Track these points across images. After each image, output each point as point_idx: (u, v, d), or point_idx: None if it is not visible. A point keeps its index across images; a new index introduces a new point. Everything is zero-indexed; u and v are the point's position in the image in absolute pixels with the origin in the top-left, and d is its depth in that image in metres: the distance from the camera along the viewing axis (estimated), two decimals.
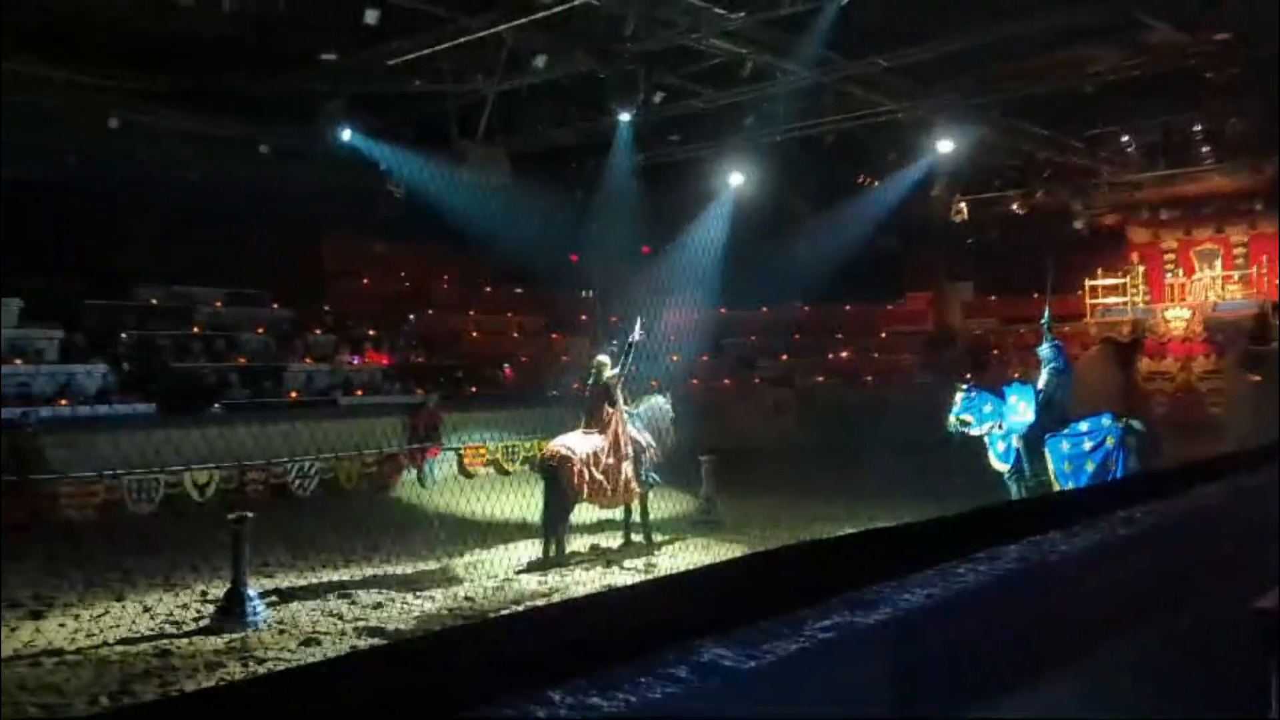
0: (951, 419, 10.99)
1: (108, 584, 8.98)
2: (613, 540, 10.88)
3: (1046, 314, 11.69)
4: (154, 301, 17.08)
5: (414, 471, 15.27)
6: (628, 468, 10.43)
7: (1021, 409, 10.63)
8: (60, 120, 13.64)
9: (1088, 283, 21.64)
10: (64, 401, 13.84)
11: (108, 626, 7.68)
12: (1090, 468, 10.19)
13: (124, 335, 15.96)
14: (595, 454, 10.19)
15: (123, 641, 7.31)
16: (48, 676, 6.52)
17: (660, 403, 11.50)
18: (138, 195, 15.24)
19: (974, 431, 10.99)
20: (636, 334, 10.75)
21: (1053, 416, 10.51)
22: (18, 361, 13.98)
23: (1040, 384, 10.79)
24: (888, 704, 1.76)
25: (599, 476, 10.14)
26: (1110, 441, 10.20)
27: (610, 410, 10.49)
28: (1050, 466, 10.39)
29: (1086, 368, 20.94)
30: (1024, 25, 11.75)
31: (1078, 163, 18.54)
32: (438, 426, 15.71)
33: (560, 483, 10.02)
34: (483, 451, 16.31)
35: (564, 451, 10.15)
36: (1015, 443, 10.58)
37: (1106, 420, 10.48)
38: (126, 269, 16.58)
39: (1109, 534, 2.51)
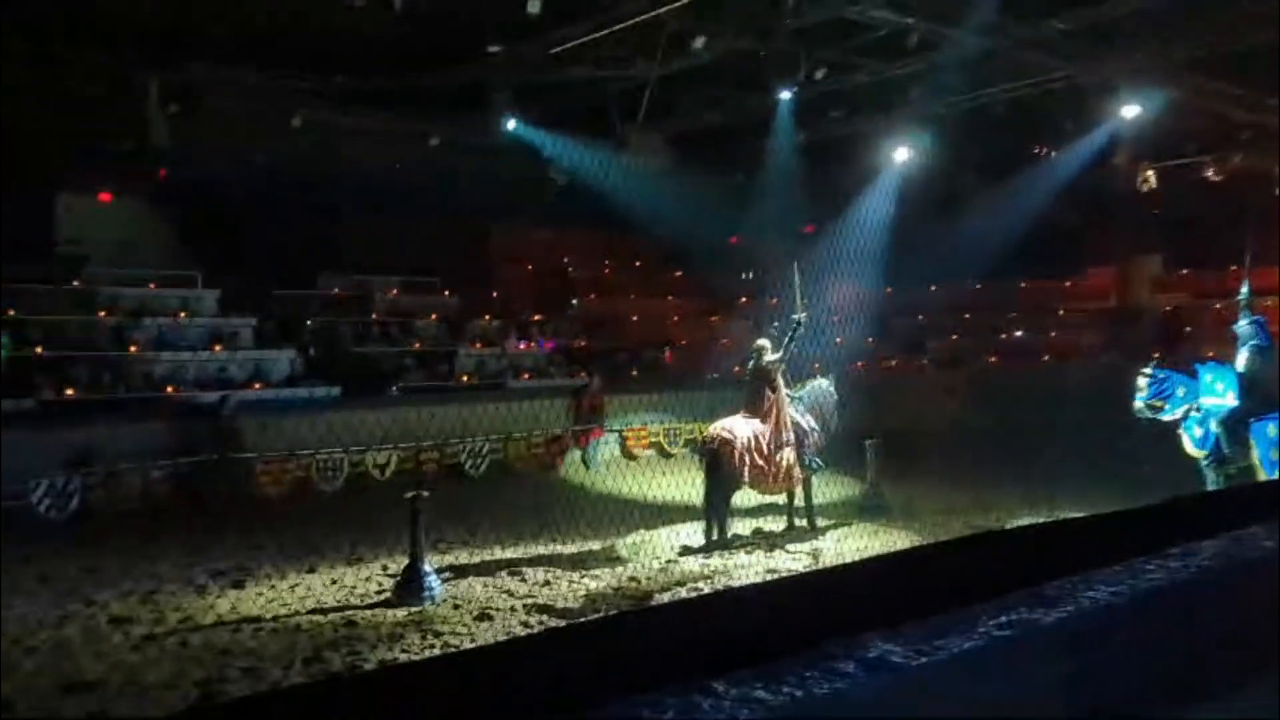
0: (1139, 404, 10.29)
1: (299, 557, 9.57)
2: (776, 524, 10.82)
3: (1245, 287, 10.81)
4: (336, 291, 18.04)
5: (578, 452, 15.59)
6: (789, 453, 10.32)
7: (1220, 390, 9.90)
8: (246, 121, 14.53)
9: None
10: (257, 385, 14.80)
11: (299, 597, 8.19)
12: None
13: (309, 323, 16.92)
14: (756, 438, 10.13)
15: (313, 611, 7.78)
16: (248, 642, 7.01)
17: (824, 386, 11.31)
18: (320, 190, 16.10)
19: (1167, 417, 10.27)
20: (799, 316, 10.60)
21: (1256, 399, 9.75)
22: (217, 348, 15.04)
23: (1240, 363, 10.03)
24: (1066, 709, 1.67)
25: (760, 461, 10.08)
26: None
27: (771, 395, 10.40)
28: (1255, 454, 9.64)
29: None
30: None
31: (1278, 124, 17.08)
32: (601, 408, 15.97)
33: (721, 467, 10.02)
34: (645, 434, 16.48)
35: (725, 435, 10.13)
36: (1214, 427, 9.86)
37: None
38: (311, 260, 17.56)
39: None
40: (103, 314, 14.57)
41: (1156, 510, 2.51)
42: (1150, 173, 18.07)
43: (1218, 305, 21.31)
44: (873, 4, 11.51)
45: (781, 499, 10.84)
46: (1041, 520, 8.48)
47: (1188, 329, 21.84)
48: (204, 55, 12.75)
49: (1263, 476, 9.42)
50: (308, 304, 17.51)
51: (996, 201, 19.13)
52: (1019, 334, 23.41)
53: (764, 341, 10.68)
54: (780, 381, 10.50)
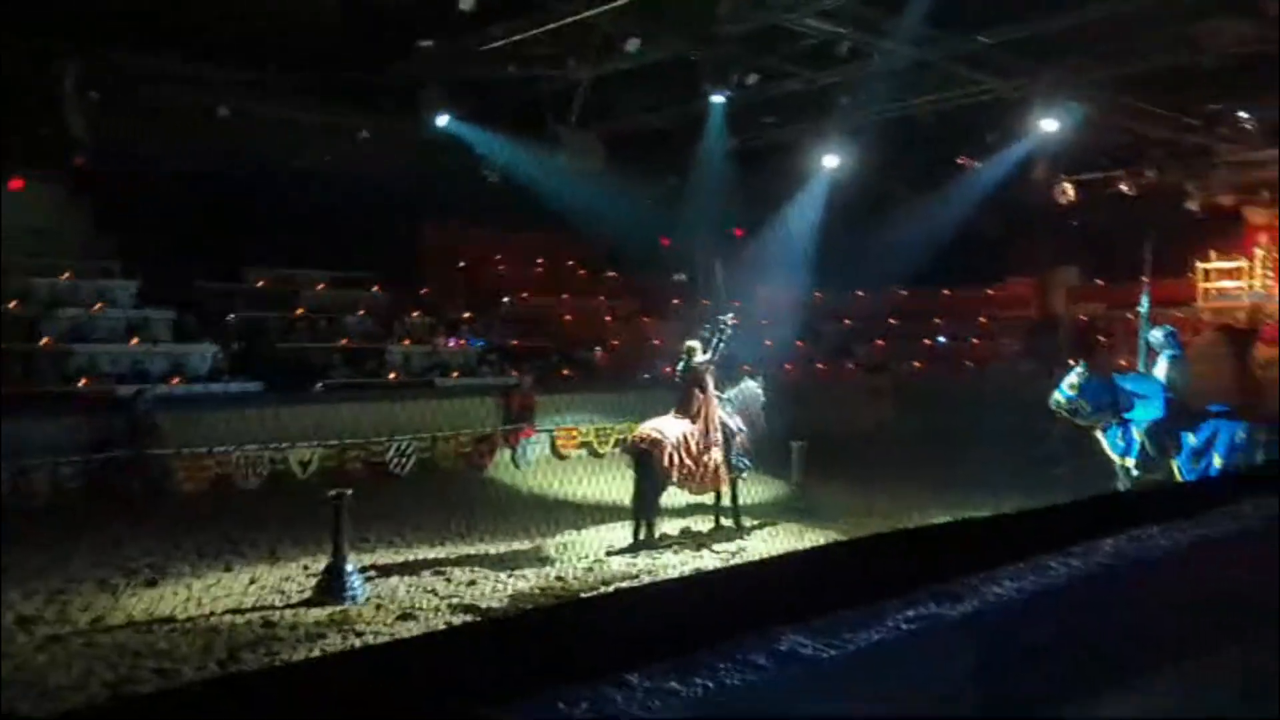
0: (1060, 398, 10.53)
1: (217, 555, 9.36)
2: (704, 524, 10.90)
3: (1145, 300, 11.23)
4: (261, 284, 17.68)
5: (508, 452, 15.51)
6: (718, 453, 10.42)
7: (1145, 400, 10.26)
8: (172, 111, 14.18)
9: (1200, 266, 20.76)
10: (176, 380, 14.43)
11: (217, 596, 8.02)
12: (1218, 462, 9.78)
13: (233, 317, 16.56)
14: (686, 439, 10.20)
15: (230, 611, 7.63)
16: (160, 642, 6.84)
17: (752, 387, 11.44)
18: (246, 182, 15.78)
19: (1083, 421, 10.59)
20: (728, 319, 10.69)
21: (1175, 407, 10.14)
22: (134, 341, 14.63)
23: (1160, 373, 10.41)
24: (972, 700, 1.73)
25: (689, 462, 10.16)
26: (1239, 435, 9.79)
27: (701, 395, 10.48)
28: (1176, 461, 10.02)
29: (1198, 355, 20.13)
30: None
31: (1193, 141, 17.74)
32: (532, 408, 15.91)
33: (651, 467, 10.07)
34: (575, 434, 16.47)
35: (655, 436, 10.18)
36: (1137, 435, 10.21)
37: (1219, 410, 10.07)
38: (236, 253, 17.19)
39: (1215, 530, 2.41)
40: (13, 305, 14.07)
41: (1062, 510, 2.60)
42: (1068, 185, 18.60)
43: (1129, 315, 22.03)
44: (805, 12, 11.68)
45: (709, 499, 10.93)
46: (955, 519, 8.69)
47: (1102, 338, 22.53)
48: (127, 42, 12.40)
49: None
50: (231, 297, 17.13)
51: (922, 210, 19.53)
52: (942, 340, 23.92)
53: (694, 343, 10.77)
54: (710, 382, 10.58)
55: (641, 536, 9.97)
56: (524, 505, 11.52)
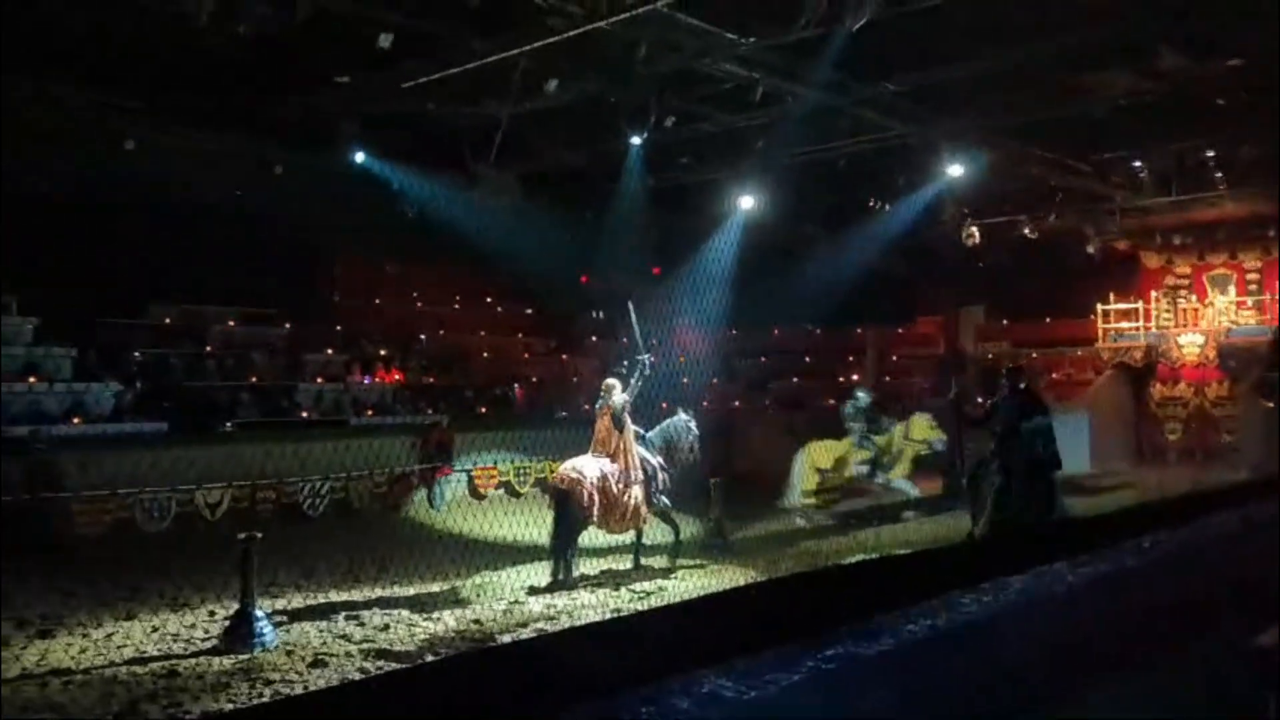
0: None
1: (117, 603, 9.00)
2: (623, 564, 10.85)
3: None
4: (167, 320, 17.17)
5: (424, 492, 15.27)
6: (638, 491, 10.41)
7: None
8: (75, 139, 13.76)
9: (1100, 307, 21.60)
10: (77, 420, 13.90)
11: (116, 646, 7.69)
12: None
13: (137, 354, 16.04)
14: (605, 478, 10.17)
15: (130, 661, 7.32)
16: (55, 696, 6.53)
17: (682, 421, 11.36)
18: (152, 215, 15.34)
19: None
20: (648, 358, 10.72)
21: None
22: (31, 380, 14.05)
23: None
24: None
25: (608, 500, 10.13)
26: None
27: (619, 434, 10.47)
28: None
29: (1099, 393, 20.87)
30: (1033, 50, 11.78)
31: (1089, 187, 18.53)
32: (449, 446, 15.71)
33: (570, 507, 10.01)
34: (494, 473, 16.31)
35: (574, 475, 10.13)
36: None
37: None
38: (140, 288, 16.68)
39: (1116, 564, 2.50)
40: None
41: (974, 547, 2.66)
42: (974, 228, 19.22)
43: (1033, 353, 22.80)
44: (721, 57, 11.92)
45: (629, 538, 10.89)
46: (870, 557, 8.84)
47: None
48: (33, 68, 12.02)
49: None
50: (136, 334, 16.58)
51: (835, 250, 19.97)
52: (855, 378, 24.37)
53: (612, 380, 10.77)
54: (628, 420, 10.58)
55: (560, 576, 9.88)
56: (440, 546, 11.31)
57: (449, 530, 13.08)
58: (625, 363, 11.28)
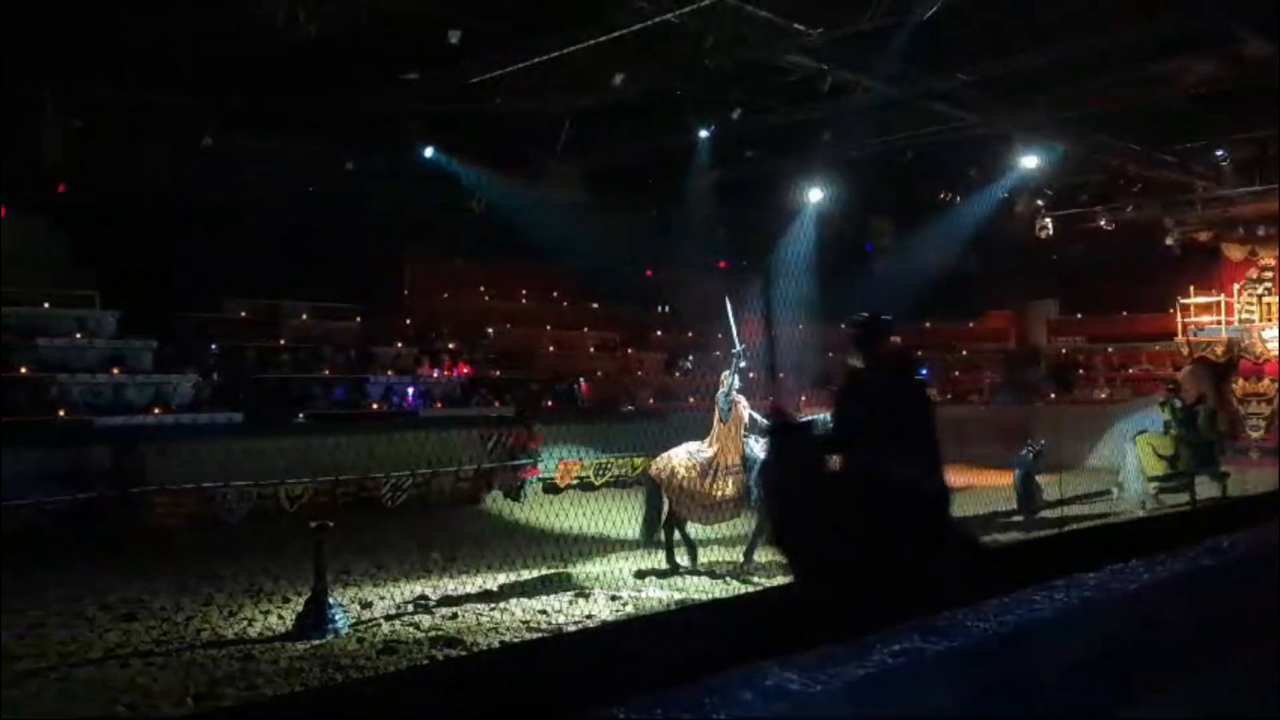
0: None
1: (197, 589, 9.25)
2: (721, 555, 10.73)
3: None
4: (242, 314, 17.60)
5: (499, 488, 15.22)
6: (729, 483, 10.18)
7: None
8: (156, 141, 14.17)
9: (1179, 301, 21.00)
10: (157, 410, 14.32)
11: (195, 630, 7.91)
12: None
13: (214, 346, 16.47)
14: (692, 468, 10.18)
15: (208, 645, 7.52)
16: (137, 677, 6.74)
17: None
18: (229, 213, 15.74)
19: None
20: (740, 348, 10.67)
21: None
22: (115, 371, 14.52)
23: None
24: None
25: (692, 491, 10.12)
26: None
27: (721, 425, 10.44)
28: None
29: (1179, 389, 20.28)
30: (1112, 38, 11.49)
31: (1169, 178, 18.01)
32: (536, 448, 15.57)
33: (657, 497, 10.15)
34: (574, 468, 16.13)
35: (663, 465, 10.24)
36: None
37: None
38: (216, 283, 17.11)
39: (1193, 564, 2.43)
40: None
41: (1043, 543, 2.61)
42: (1048, 220, 18.83)
43: (1109, 348, 22.26)
44: (788, 48, 11.83)
45: (727, 530, 10.73)
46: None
47: (1081, 371, 22.76)
48: (109, 72, 12.40)
49: None
50: (212, 327, 17.03)
51: (903, 244, 19.71)
52: (923, 373, 24.07)
53: (726, 372, 10.65)
54: (734, 410, 10.32)
55: (666, 565, 9.99)
56: (516, 538, 11.39)
57: (524, 523, 13.17)
58: (731, 357, 11.07)
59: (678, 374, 21.93)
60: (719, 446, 10.33)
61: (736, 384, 10.50)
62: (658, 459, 10.54)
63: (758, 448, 10.45)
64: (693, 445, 10.47)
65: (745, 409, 10.43)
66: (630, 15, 10.60)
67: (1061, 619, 2.07)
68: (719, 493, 10.17)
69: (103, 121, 13.12)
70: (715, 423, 10.48)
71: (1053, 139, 15.53)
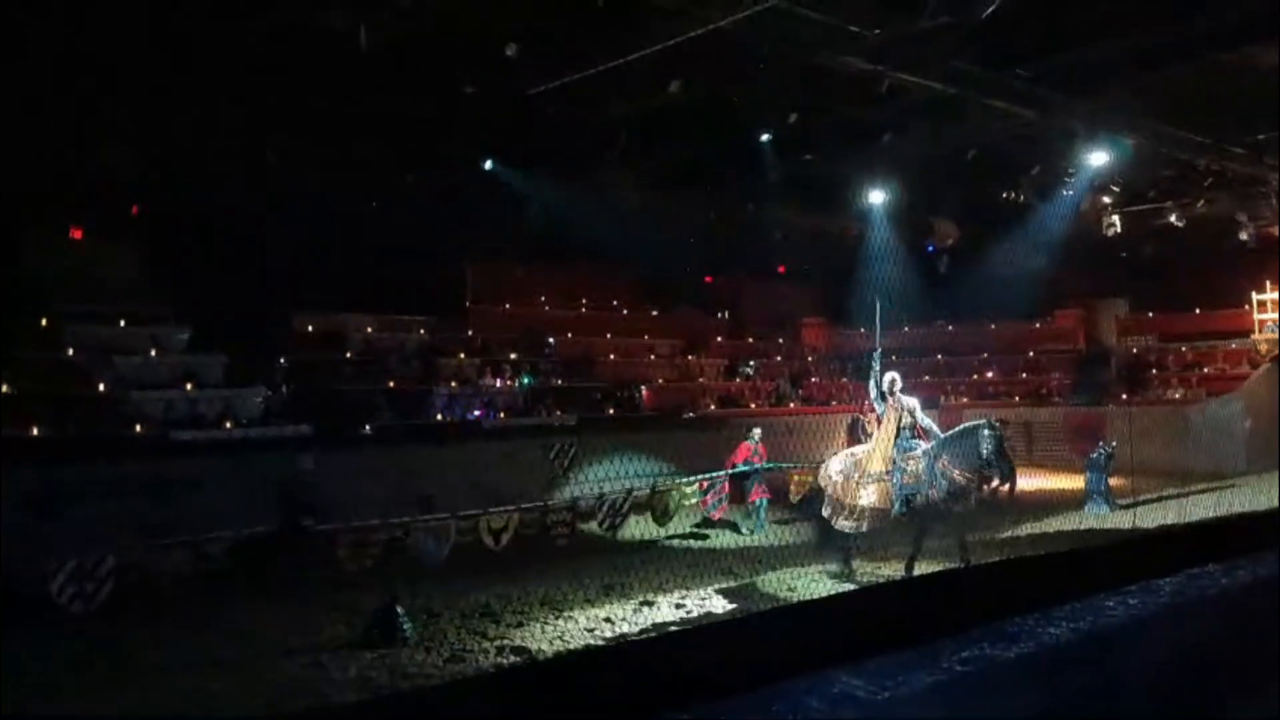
0: None
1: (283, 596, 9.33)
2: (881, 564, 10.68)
3: None
4: (309, 328, 17.91)
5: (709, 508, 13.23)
6: (872, 490, 10.08)
7: None
8: (220, 155, 14.49)
9: (1255, 297, 20.38)
10: (228, 423, 14.62)
11: (267, 640, 8.08)
12: None
13: (281, 360, 16.76)
14: (841, 473, 10.32)
15: (281, 653, 7.67)
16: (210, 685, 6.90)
17: (971, 427, 10.18)
18: (292, 226, 16.01)
19: None
20: (877, 351, 10.71)
21: None
22: (189, 386, 14.86)
23: None
24: None
25: (839, 497, 10.21)
26: None
27: (877, 430, 10.46)
28: None
29: (1255, 387, 19.64)
30: (1177, 28, 11.20)
31: (1242, 170, 17.48)
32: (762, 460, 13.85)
33: (817, 504, 10.46)
34: (806, 478, 12.83)
35: (825, 473, 10.50)
36: None
37: None
38: (283, 296, 17.42)
39: (1274, 568, 2.35)
40: (70, 352, 14.37)
41: (1116, 548, 2.55)
42: (1115, 217, 18.39)
43: (1182, 347, 21.67)
44: (845, 50, 11.73)
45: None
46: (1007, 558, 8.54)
47: (1154, 370, 22.18)
48: (182, 86, 12.67)
49: None
50: (279, 340, 17.35)
51: (967, 244, 19.40)
52: (989, 375, 23.68)
53: (892, 374, 10.57)
54: (887, 416, 10.30)
55: (842, 570, 10.16)
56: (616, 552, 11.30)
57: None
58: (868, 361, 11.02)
59: (739, 379, 21.87)
60: (866, 453, 10.31)
61: (883, 384, 10.44)
62: (822, 465, 10.72)
63: (912, 463, 10.09)
64: (854, 449, 10.65)
65: (908, 413, 10.30)
66: (687, 21, 10.62)
67: (1137, 624, 2.02)
68: (860, 500, 10.03)
69: (174, 141, 13.43)
70: (874, 427, 10.49)
71: (1119, 133, 15.16)
